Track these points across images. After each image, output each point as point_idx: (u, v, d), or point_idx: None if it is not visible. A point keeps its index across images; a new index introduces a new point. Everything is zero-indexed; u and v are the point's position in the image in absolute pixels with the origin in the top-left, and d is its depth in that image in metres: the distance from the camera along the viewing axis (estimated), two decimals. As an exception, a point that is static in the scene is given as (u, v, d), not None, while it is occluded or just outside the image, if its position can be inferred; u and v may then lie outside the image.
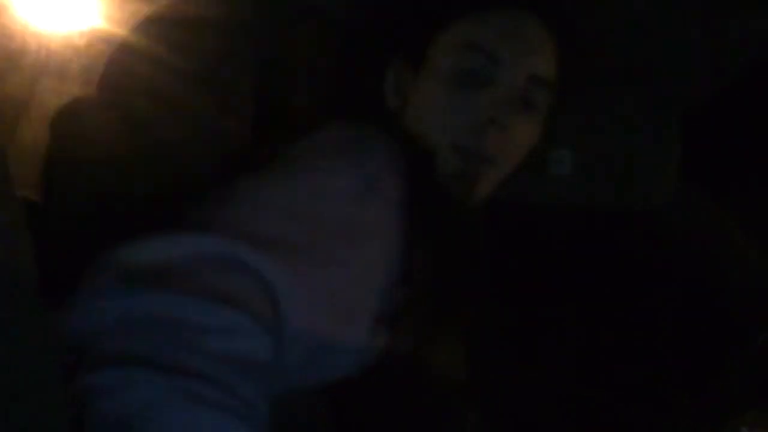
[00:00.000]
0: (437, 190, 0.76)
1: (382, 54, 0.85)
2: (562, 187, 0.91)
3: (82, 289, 0.52)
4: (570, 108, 0.90)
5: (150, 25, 0.81)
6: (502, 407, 0.86)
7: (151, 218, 0.58)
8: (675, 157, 1.02)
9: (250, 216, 0.60)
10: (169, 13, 0.81)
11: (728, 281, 1.14)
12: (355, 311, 0.65)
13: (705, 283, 1.16)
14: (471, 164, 0.80)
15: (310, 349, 0.60)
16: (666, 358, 1.23)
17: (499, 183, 0.84)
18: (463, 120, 0.79)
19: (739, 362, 1.18)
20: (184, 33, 0.80)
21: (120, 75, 0.80)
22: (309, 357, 0.60)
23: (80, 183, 0.72)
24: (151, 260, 0.53)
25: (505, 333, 0.87)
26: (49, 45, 0.91)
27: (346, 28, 0.88)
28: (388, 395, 0.70)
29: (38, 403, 0.41)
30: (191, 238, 0.55)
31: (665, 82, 0.99)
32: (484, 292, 0.80)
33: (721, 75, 0.99)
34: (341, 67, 0.87)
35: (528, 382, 0.99)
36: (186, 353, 0.49)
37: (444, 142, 0.79)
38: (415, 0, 0.84)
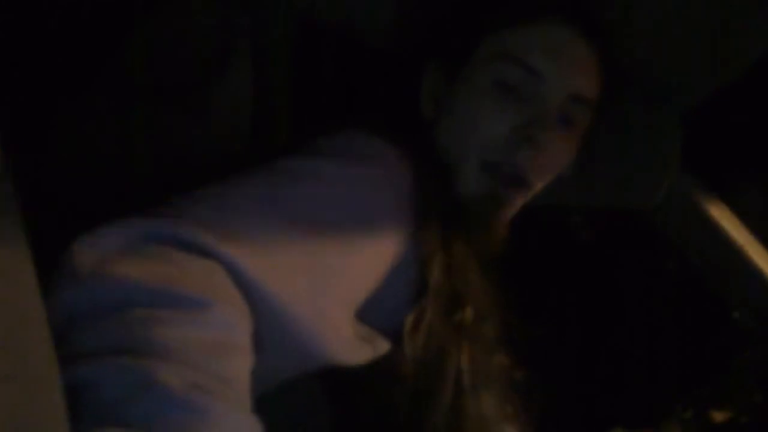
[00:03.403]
0: (452, 207, 0.76)
1: (417, 62, 0.85)
2: (562, 187, 0.91)
3: (52, 282, 0.52)
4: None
5: (151, 23, 0.81)
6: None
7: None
8: (675, 156, 1.02)
9: (226, 207, 0.59)
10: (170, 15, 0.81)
11: (728, 280, 1.14)
12: (328, 307, 0.63)
13: (704, 283, 1.16)
14: (500, 184, 0.78)
15: (291, 342, 0.59)
16: (664, 356, 1.23)
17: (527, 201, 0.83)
18: (496, 135, 0.77)
19: (739, 361, 1.18)
20: (183, 36, 0.80)
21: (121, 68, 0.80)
22: (287, 346, 0.60)
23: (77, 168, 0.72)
24: (110, 245, 0.53)
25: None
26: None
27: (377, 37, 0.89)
28: (390, 393, 0.70)
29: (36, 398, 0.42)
30: (154, 222, 0.54)
31: (665, 82, 0.99)
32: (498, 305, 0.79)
33: (722, 75, 0.98)
34: (372, 72, 0.87)
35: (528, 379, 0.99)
36: (155, 339, 0.48)
37: (473, 158, 0.77)
38: (456, 9, 0.83)
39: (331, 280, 0.63)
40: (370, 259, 0.67)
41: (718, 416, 1.18)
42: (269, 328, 0.57)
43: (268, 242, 0.59)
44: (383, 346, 0.69)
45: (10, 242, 0.43)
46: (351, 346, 0.65)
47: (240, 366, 0.53)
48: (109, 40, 0.80)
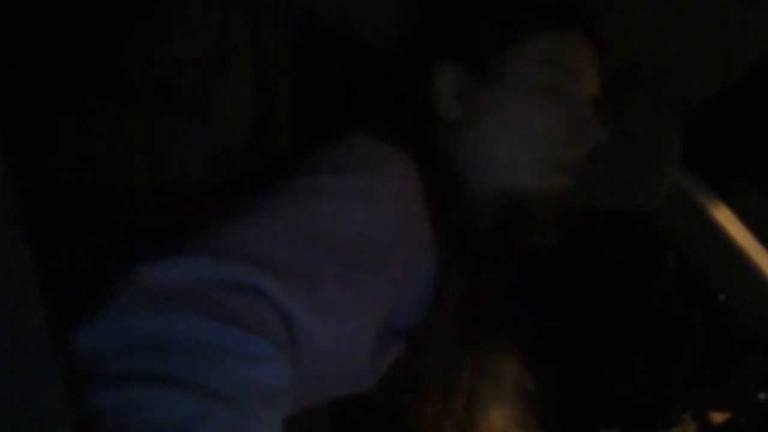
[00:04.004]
0: (464, 207, 0.76)
1: (421, 62, 0.84)
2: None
3: (107, 306, 0.52)
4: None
5: (151, 23, 0.82)
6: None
7: (155, 229, 0.58)
8: (675, 156, 1.02)
9: (269, 241, 0.60)
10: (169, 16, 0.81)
11: (728, 280, 1.14)
12: (366, 334, 0.64)
13: (704, 283, 1.17)
14: (560, 176, 0.81)
15: (321, 373, 0.60)
16: (664, 357, 1.23)
17: None
18: (549, 131, 0.80)
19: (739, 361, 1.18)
20: (183, 36, 0.81)
21: (121, 68, 0.80)
22: (319, 380, 0.61)
23: (77, 186, 0.72)
24: (175, 281, 0.54)
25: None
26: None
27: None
28: (393, 403, 0.70)
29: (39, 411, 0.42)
30: (212, 262, 0.55)
31: (665, 82, 0.99)
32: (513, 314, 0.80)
33: (722, 74, 0.99)
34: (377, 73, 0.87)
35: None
36: (215, 377, 0.50)
37: (527, 154, 0.80)
38: (484, 11, 0.84)
39: (370, 309, 0.64)
40: (399, 273, 0.67)
41: (718, 417, 1.18)
42: (306, 365, 0.58)
43: (315, 281, 0.59)
44: (396, 352, 0.69)
45: (9, 242, 0.43)
46: (377, 369, 0.67)
47: (282, 416, 0.54)
48: (109, 40, 0.80)
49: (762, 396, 1.11)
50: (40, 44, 0.79)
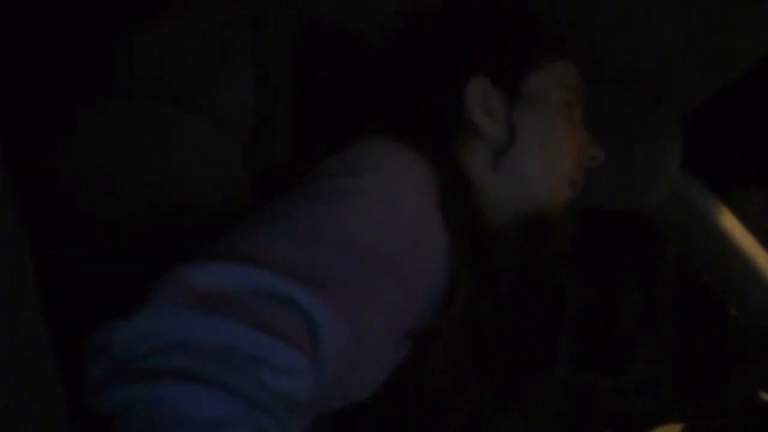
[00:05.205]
0: (478, 215, 0.77)
1: (450, 71, 0.84)
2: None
3: (142, 306, 0.52)
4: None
5: (152, 22, 0.82)
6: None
7: (156, 229, 0.58)
8: (675, 156, 1.02)
9: (295, 247, 0.60)
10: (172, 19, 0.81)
11: (728, 280, 1.14)
12: (384, 342, 0.65)
13: (703, 283, 1.16)
14: (574, 192, 0.86)
15: (335, 382, 0.60)
16: (663, 359, 1.23)
17: None
18: (574, 153, 0.85)
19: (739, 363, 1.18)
20: (183, 35, 0.81)
21: (121, 68, 0.80)
22: (331, 389, 0.61)
23: (87, 189, 0.72)
24: (211, 286, 0.54)
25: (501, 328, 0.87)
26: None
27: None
28: (394, 405, 0.70)
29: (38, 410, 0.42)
30: (249, 270, 0.55)
31: (665, 82, 0.99)
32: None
33: (722, 74, 0.99)
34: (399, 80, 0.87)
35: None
36: (251, 383, 0.50)
37: (560, 174, 0.84)
38: (519, 34, 0.86)
39: (392, 317, 0.65)
40: (416, 277, 0.67)
41: (717, 418, 1.18)
42: (323, 377, 0.58)
43: (344, 288, 0.60)
44: (401, 354, 0.69)
45: (9, 242, 0.43)
46: (384, 374, 0.68)
47: (303, 427, 0.55)
48: (109, 40, 0.80)
49: (762, 396, 1.11)
50: (40, 44, 0.79)
